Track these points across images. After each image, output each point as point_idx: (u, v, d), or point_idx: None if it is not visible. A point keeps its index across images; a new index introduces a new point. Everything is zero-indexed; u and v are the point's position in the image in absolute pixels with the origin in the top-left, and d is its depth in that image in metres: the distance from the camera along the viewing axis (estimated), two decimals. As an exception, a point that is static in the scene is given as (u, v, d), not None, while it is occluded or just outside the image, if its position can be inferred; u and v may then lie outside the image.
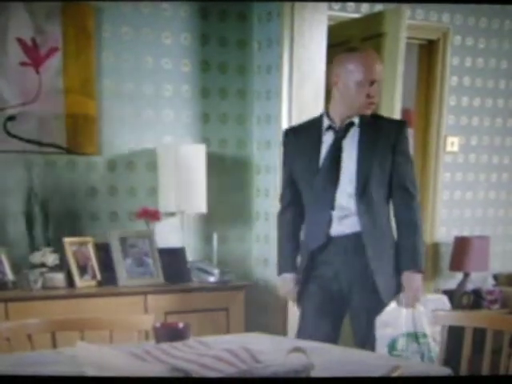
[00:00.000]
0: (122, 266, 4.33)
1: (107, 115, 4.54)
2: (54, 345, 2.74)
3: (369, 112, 3.43)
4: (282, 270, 3.63)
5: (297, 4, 4.52)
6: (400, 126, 3.51)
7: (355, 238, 3.38)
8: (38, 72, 4.30)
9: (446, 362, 2.90)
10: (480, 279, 5.89)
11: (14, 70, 4.26)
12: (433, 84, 5.79)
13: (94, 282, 4.29)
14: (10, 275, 4.13)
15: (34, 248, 4.20)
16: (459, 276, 5.84)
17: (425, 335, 3.33)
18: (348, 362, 2.36)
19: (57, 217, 4.32)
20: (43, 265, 4.14)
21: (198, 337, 2.50)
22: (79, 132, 4.42)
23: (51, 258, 4.15)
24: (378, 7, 5.31)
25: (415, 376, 2.15)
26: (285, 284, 3.61)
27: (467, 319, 3.04)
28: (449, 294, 5.74)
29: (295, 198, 3.57)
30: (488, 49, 5.87)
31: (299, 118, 4.48)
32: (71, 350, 2.24)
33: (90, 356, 2.14)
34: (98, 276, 4.32)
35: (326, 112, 3.53)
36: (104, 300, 4.17)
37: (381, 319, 3.33)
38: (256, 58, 4.83)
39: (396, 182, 3.42)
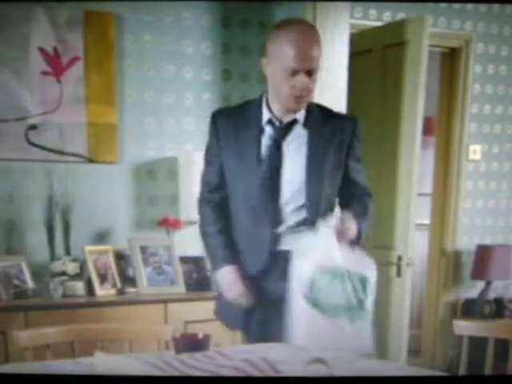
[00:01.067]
0: (143, 275, 4.31)
1: (128, 124, 4.52)
2: (73, 354, 2.71)
3: (297, 108, 2.81)
4: (220, 262, 2.95)
5: (318, 13, 4.47)
6: (354, 124, 2.96)
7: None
8: (59, 81, 4.28)
9: (469, 371, 2.86)
10: (502, 288, 5.83)
11: (35, 79, 4.24)
12: (455, 92, 5.75)
13: (114, 291, 4.27)
14: (30, 283, 4.12)
15: (54, 256, 4.18)
16: (481, 285, 5.78)
17: (354, 275, 2.70)
18: (371, 373, 2.32)
19: (77, 225, 4.29)
20: (63, 273, 4.12)
21: (218, 346, 2.47)
22: (100, 141, 4.40)
23: (71, 267, 4.13)
24: (401, 15, 5.30)
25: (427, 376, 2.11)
26: (229, 279, 2.92)
27: (489, 330, 2.98)
28: (470, 302, 5.72)
29: (224, 184, 2.97)
30: (511, 56, 5.80)
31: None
32: (90, 359, 2.21)
33: (108, 366, 2.11)
34: (118, 284, 4.30)
35: (267, 101, 2.89)
36: (124, 308, 4.14)
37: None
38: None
39: (350, 192, 2.96)
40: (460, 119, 5.75)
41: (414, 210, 4.75)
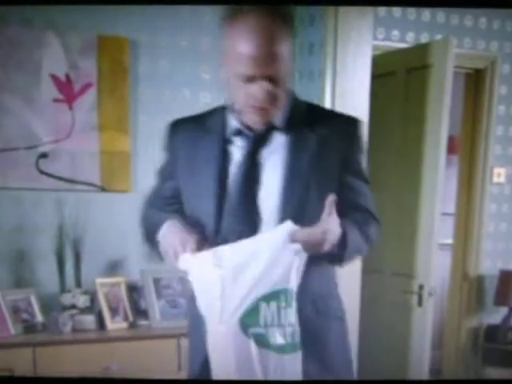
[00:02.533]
0: (155, 308, 4.10)
1: (142, 152, 4.30)
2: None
3: (260, 121, 2.17)
4: (159, 221, 2.28)
5: (340, 35, 4.24)
6: (354, 127, 2.29)
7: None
8: (71, 108, 4.08)
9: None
10: (526, 314, 5.59)
11: (46, 106, 4.04)
12: (479, 113, 5.54)
13: (125, 324, 4.06)
14: (39, 317, 3.93)
15: (64, 288, 3.99)
16: (504, 311, 5.55)
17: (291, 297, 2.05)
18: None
19: (89, 256, 4.08)
20: (73, 306, 3.93)
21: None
22: (113, 169, 4.19)
23: (82, 300, 3.94)
24: (424, 35, 5.07)
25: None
26: (173, 233, 2.18)
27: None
28: (493, 328, 5.49)
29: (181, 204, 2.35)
30: (538, 78, 5.56)
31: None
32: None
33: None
34: (130, 317, 4.09)
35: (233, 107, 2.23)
36: (136, 343, 3.94)
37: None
38: (296, 90, 4.52)
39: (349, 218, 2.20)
40: (484, 141, 5.55)
41: (436, 236, 4.49)
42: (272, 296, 2.03)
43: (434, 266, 4.51)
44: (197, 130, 2.30)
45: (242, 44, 2.03)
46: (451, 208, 5.80)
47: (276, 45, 2.04)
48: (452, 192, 5.76)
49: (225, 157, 2.23)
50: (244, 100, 2.12)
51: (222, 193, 2.22)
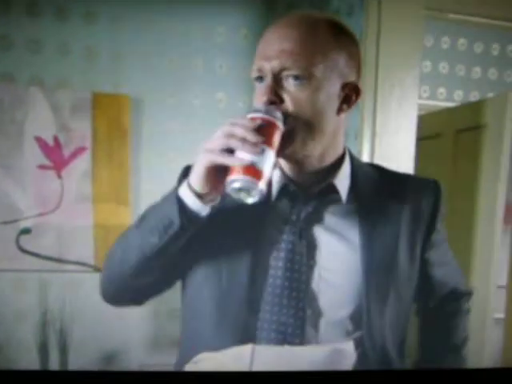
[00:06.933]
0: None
1: (146, 225, 3.43)
2: None
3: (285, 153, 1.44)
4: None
5: (380, 93, 3.42)
6: (436, 192, 1.61)
7: None
8: (60, 176, 3.27)
9: None
10: None
11: (30, 174, 3.26)
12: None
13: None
14: (14, 423, 3.05)
15: (47, 387, 3.11)
16: None
17: None
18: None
19: (78, 348, 3.27)
20: (56, 410, 3.05)
21: None
22: (110, 246, 3.32)
23: (66, 402, 3.05)
24: (474, 94, 4.31)
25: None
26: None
27: None
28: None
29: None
30: None
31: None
32: None
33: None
34: (126, 421, 3.19)
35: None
36: None
37: None
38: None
39: (434, 298, 1.73)
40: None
41: (490, 315, 3.78)
42: None
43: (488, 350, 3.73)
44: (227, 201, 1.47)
45: (260, 43, 1.46)
46: (503, 281, 4.92)
47: (291, 40, 1.40)
48: (504, 263, 4.89)
49: (266, 236, 1.50)
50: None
51: (261, 278, 1.48)
